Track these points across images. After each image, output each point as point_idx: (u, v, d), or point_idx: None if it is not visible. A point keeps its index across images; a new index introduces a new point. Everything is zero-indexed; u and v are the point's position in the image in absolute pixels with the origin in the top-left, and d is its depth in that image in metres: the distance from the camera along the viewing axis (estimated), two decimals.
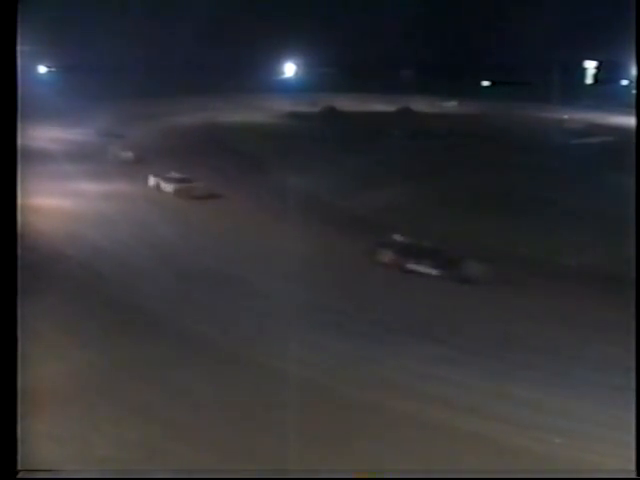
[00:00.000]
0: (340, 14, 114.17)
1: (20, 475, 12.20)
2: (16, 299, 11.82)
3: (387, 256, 31.27)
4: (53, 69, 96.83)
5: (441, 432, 18.03)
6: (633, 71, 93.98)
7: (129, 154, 53.81)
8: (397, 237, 32.35)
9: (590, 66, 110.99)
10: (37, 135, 54.68)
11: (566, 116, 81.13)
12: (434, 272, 30.00)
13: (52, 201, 39.41)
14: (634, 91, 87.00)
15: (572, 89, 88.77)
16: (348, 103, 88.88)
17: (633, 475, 13.37)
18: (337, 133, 66.17)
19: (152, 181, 44.98)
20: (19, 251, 12.08)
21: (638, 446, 13.29)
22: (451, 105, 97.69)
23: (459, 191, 46.69)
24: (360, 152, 57.93)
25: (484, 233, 36.67)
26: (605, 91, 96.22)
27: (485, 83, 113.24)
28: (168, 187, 43.82)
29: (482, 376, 21.19)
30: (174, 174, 44.94)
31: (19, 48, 11.73)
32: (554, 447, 17.60)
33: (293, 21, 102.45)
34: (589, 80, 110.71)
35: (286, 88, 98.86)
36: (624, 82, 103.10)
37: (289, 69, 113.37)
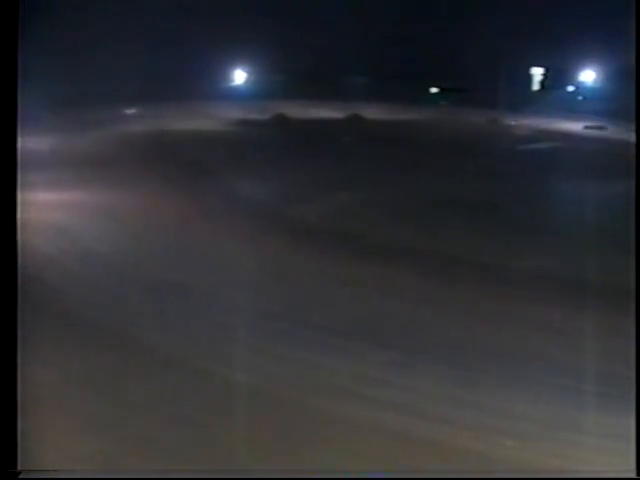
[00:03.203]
0: (289, 21, 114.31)
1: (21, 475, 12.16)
2: (16, 299, 11.92)
3: None
4: None
5: None
6: (579, 77, 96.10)
7: None
8: None
9: (537, 73, 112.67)
10: None
11: (513, 122, 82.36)
12: None
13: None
14: (579, 97, 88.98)
15: (519, 96, 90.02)
16: (298, 110, 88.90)
17: (633, 475, 13.35)
18: (287, 140, 66.17)
19: None
20: None
21: (638, 446, 13.29)
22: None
23: (408, 196, 46.80)
24: (310, 158, 57.94)
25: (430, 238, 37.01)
26: (551, 97, 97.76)
27: (434, 90, 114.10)
28: None
29: None
30: None
31: None
32: None
33: (242, 28, 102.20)
34: (536, 87, 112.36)
35: (236, 95, 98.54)
36: (570, 88, 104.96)
37: (239, 76, 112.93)
